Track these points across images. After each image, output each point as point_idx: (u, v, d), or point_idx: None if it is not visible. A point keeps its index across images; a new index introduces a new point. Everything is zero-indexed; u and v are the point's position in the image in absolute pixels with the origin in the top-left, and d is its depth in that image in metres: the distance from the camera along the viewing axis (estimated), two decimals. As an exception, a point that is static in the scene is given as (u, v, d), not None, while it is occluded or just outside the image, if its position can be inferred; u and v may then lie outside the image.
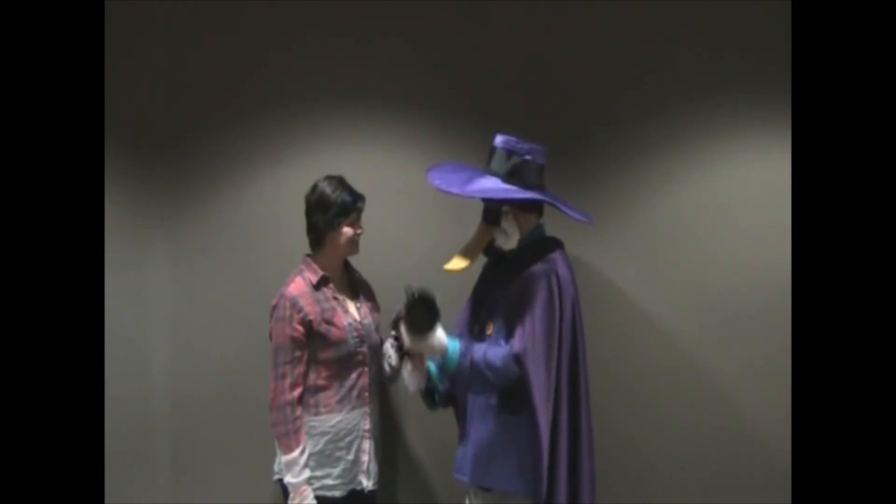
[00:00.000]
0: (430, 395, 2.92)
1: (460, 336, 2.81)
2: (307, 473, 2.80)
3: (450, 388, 2.90)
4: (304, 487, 2.79)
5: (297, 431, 2.79)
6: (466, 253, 2.77)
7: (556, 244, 2.79)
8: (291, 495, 2.79)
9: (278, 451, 2.88)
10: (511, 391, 2.67)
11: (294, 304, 2.81)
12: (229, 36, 3.43)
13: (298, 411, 2.81)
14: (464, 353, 2.68)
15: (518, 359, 2.62)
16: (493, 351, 2.66)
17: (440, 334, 2.69)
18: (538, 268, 2.69)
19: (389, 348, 3.01)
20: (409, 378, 2.83)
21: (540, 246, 2.78)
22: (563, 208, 2.77)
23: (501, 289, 2.79)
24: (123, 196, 3.45)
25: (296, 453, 2.78)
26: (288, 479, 2.79)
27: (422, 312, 2.67)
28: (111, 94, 3.40)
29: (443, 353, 2.70)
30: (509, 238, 2.79)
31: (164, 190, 3.46)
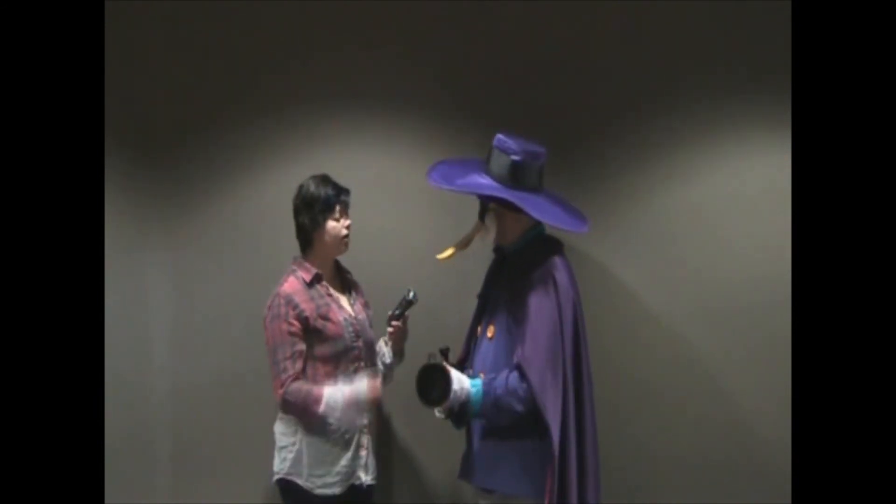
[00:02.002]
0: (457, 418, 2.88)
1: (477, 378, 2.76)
2: (346, 390, 2.78)
3: None
4: (353, 394, 2.78)
5: (309, 393, 2.77)
6: (456, 244, 2.88)
7: (553, 246, 2.80)
8: (363, 393, 2.78)
9: (276, 453, 2.88)
10: None
11: (289, 301, 2.82)
12: (229, 37, 3.43)
13: (304, 385, 2.79)
14: (486, 393, 2.66)
15: (521, 370, 2.62)
16: (510, 382, 2.63)
17: (457, 388, 2.66)
18: (536, 274, 2.70)
19: (383, 346, 3.02)
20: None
21: (538, 247, 2.79)
22: (540, 216, 2.72)
23: (503, 291, 2.81)
24: (123, 196, 3.45)
25: (321, 408, 2.76)
26: (337, 416, 2.78)
27: (430, 384, 2.67)
28: (111, 96, 3.38)
29: (466, 402, 2.68)
30: (488, 234, 2.85)
31: (165, 191, 3.46)
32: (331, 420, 2.79)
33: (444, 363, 2.71)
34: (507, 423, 2.68)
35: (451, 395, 2.64)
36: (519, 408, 2.62)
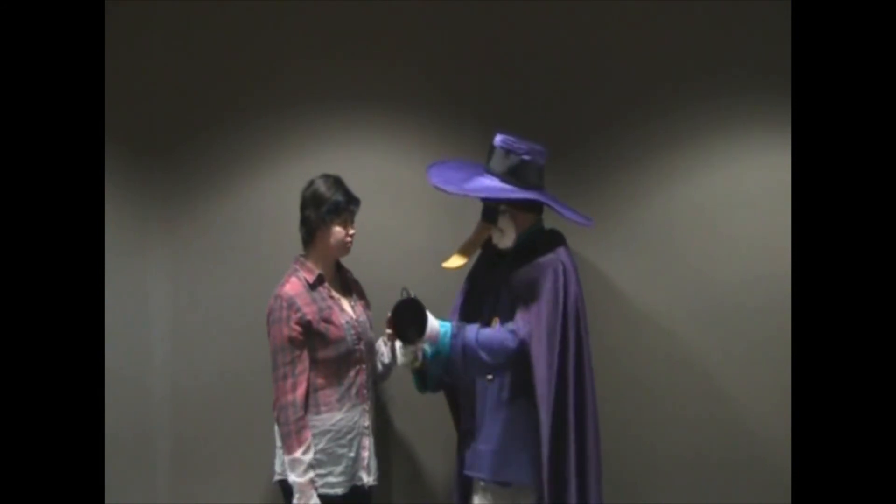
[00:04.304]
0: (422, 377, 2.89)
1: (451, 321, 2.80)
2: (311, 473, 2.79)
3: (444, 378, 2.89)
4: (308, 487, 2.78)
5: (298, 431, 2.78)
6: (463, 250, 2.81)
7: (558, 238, 2.81)
8: (297, 495, 2.79)
9: (278, 452, 2.88)
10: (521, 384, 2.68)
11: (291, 305, 2.81)
12: (229, 38, 3.43)
13: (301, 412, 2.80)
14: (455, 335, 2.68)
15: (522, 343, 2.64)
16: (484, 331, 2.69)
17: (431, 326, 2.69)
18: (544, 259, 2.71)
19: (382, 346, 3.03)
20: (401, 354, 2.79)
21: (543, 239, 2.80)
22: (561, 210, 2.77)
23: (505, 283, 2.80)
24: (124, 197, 3.45)
25: (297, 453, 2.77)
26: (292, 478, 2.79)
27: (407, 320, 2.68)
28: (111, 96, 3.38)
29: (435, 340, 2.70)
30: (505, 236, 2.81)
31: (165, 191, 3.46)
32: (290, 469, 2.79)
33: (419, 300, 2.69)
34: (475, 372, 2.71)
35: (427, 329, 2.67)
36: (489, 360, 2.65)
